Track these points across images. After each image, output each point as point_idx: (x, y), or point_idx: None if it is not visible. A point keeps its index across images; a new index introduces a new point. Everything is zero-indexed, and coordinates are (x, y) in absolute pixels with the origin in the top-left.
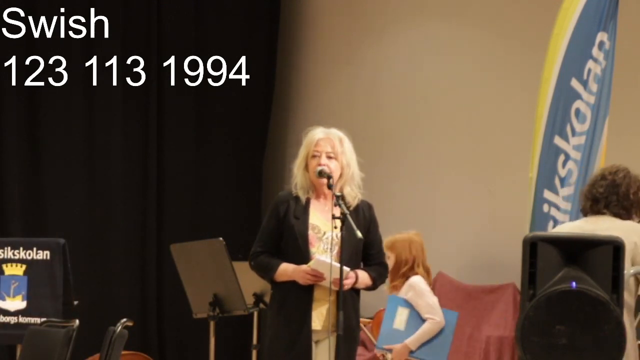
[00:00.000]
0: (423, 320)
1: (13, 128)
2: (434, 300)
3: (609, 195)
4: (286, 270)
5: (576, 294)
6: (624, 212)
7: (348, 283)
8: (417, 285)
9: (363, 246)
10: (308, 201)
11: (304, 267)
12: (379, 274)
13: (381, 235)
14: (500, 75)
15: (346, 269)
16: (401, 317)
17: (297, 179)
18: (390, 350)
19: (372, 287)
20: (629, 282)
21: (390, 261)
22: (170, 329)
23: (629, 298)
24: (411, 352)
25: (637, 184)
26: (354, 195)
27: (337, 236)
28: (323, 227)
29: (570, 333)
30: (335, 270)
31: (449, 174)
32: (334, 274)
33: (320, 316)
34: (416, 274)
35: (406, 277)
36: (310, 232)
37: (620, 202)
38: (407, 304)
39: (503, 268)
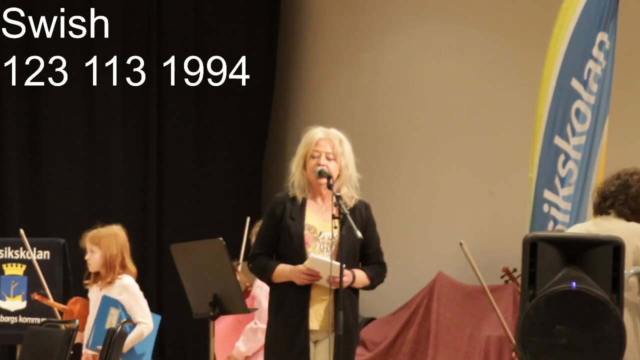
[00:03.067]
0: (134, 323)
1: (13, 128)
2: (145, 303)
3: (618, 194)
4: (283, 271)
5: (576, 294)
6: (629, 212)
7: (344, 281)
8: (131, 288)
9: (360, 246)
10: (304, 202)
11: (300, 267)
12: (377, 273)
13: (379, 235)
14: (500, 75)
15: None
16: (113, 318)
17: (295, 177)
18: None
19: (370, 287)
20: (629, 281)
21: (95, 256)
22: (170, 329)
23: (634, 298)
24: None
25: None
26: (350, 196)
27: (333, 235)
28: (319, 227)
29: (570, 333)
30: (330, 267)
31: (449, 174)
32: (329, 270)
33: (318, 316)
34: (126, 271)
35: (117, 273)
36: (306, 232)
37: (627, 202)
38: (120, 305)
39: None
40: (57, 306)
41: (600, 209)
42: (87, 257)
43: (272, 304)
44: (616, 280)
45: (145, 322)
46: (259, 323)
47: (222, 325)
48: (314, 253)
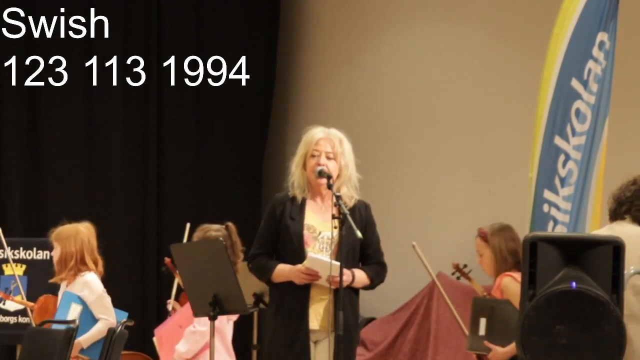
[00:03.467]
0: (96, 319)
1: (13, 128)
2: (108, 300)
3: (634, 199)
4: (282, 271)
5: (576, 294)
6: None
7: (344, 280)
8: (93, 284)
9: (360, 246)
10: (304, 201)
11: (299, 266)
12: (377, 273)
13: (379, 235)
14: (500, 75)
15: (338, 263)
16: (74, 313)
17: (295, 177)
18: None
19: (370, 287)
20: (629, 282)
21: (56, 252)
22: None
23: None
24: (82, 349)
25: None
26: (350, 196)
27: (333, 235)
28: (319, 227)
29: (570, 333)
30: (329, 266)
31: (449, 173)
32: (328, 269)
33: (317, 315)
34: (88, 268)
35: (77, 270)
36: (306, 232)
37: None
38: (81, 301)
39: None
40: (24, 304)
41: (616, 215)
42: (52, 253)
43: (271, 304)
44: (616, 280)
45: (107, 318)
46: (198, 326)
47: (163, 330)
48: (312, 252)
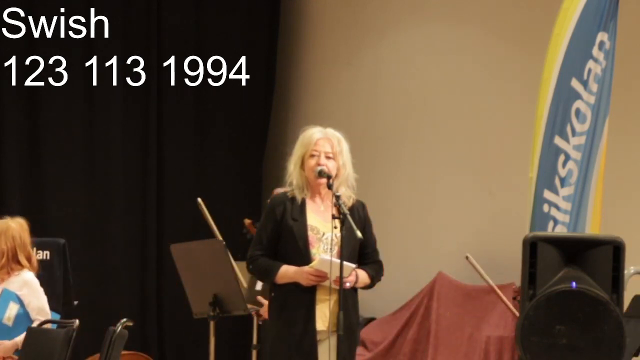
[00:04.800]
0: (31, 320)
1: (13, 128)
2: (45, 300)
3: None
4: (287, 272)
5: (576, 294)
6: None
7: (350, 280)
8: (32, 284)
9: (359, 246)
10: (304, 202)
11: (306, 268)
12: (376, 272)
13: (375, 234)
14: (500, 75)
15: (352, 265)
16: (11, 312)
17: (293, 177)
18: None
19: (370, 286)
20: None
21: None
22: (170, 329)
23: None
24: (17, 350)
25: None
26: (348, 196)
27: (336, 236)
28: (322, 227)
29: (570, 333)
30: (339, 268)
31: (449, 174)
32: (337, 270)
33: (323, 317)
34: (22, 266)
35: (11, 269)
36: (310, 233)
37: None
38: (19, 300)
39: (503, 268)
40: None
41: None
42: None
43: (274, 305)
44: (616, 280)
45: (42, 320)
46: None
47: None
48: (324, 254)
